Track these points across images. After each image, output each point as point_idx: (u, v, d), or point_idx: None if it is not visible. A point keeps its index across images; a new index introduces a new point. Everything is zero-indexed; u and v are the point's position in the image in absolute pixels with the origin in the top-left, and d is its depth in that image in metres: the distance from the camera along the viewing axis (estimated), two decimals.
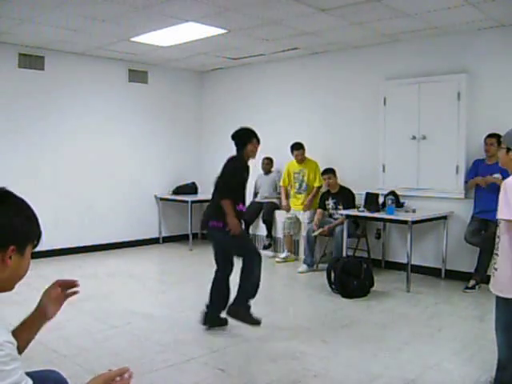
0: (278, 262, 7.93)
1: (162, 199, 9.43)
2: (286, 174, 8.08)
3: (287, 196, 8.09)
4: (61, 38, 7.16)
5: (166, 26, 6.51)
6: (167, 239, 9.59)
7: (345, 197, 7.29)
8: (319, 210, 7.48)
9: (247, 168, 4.96)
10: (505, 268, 3.06)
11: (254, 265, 4.79)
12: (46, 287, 2.03)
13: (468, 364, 4.05)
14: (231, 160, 4.98)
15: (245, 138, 5.03)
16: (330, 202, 7.40)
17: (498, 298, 3.17)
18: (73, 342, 4.47)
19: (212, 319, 4.89)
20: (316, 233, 7.26)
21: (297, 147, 7.80)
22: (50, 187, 7.99)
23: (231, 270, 5.01)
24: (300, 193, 7.91)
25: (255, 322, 4.76)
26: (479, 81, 6.57)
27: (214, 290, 4.97)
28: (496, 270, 3.13)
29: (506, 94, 6.37)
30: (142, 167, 9.21)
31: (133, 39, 7.22)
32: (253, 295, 4.84)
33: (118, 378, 1.82)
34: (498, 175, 5.81)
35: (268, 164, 8.54)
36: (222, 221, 4.70)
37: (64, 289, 2.05)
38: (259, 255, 4.87)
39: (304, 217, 7.76)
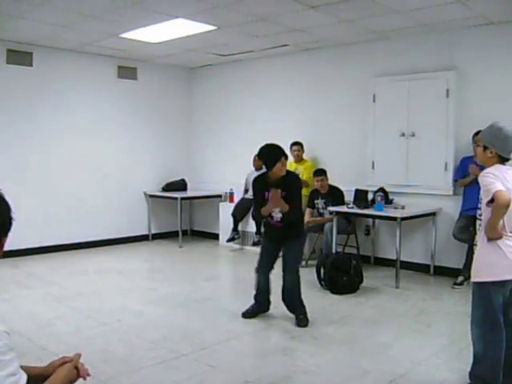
0: None
1: (151, 196, 9.40)
2: None
3: None
4: (49, 33, 7.11)
5: (155, 22, 6.49)
6: (157, 236, 9.57)
7: (334, 196, 7.27)
8: (308, 210, 7.48)
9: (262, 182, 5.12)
10: (479, 252, 3.27)
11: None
12: (55, 360, 1.93)
13: (456, 359, 4.10)
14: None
15: (269, 160, 4.97)
16: (320, 202, 7.40)
17: (473, 288, 3.33)
18: (62, 340, 4.46)
19: None
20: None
21: (295, 143, 7.86)
22: (39, 185, 7.95)
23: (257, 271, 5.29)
24: None
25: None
26: (468, 78, 6.60)
27: None
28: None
29: (495, 91, 6.41)
30: (131, 164, 9.18)
31: (122, 35, 7.18)
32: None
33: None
34: None
35: (259, 161, 8.52)
36: None
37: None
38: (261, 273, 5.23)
39: None
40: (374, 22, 6.47)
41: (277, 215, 5.00)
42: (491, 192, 3.06)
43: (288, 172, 5.09)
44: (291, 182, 5.03)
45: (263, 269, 5.18)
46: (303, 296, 5.10)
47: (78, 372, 1.88)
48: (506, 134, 3.24)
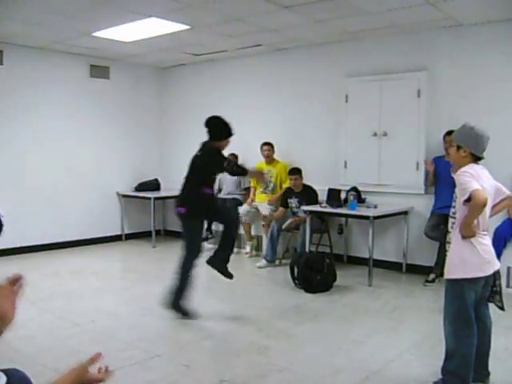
0: (249, 257, 8.08)
1: (124, 196, 9.34)
2: None
3: (254, 194, 8.14)
4: (20, 31, 7.01)
5: (128, 21, 6.45)
6: (130, 236, 9.51)
7: (308, 195, 7.32)
8: (281, 209, 7.52)
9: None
10: (453, 250, 3.33)
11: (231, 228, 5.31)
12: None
13: (428, 355, 4.16)
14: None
15: (222, 133, 5.20)
16: (294, 201, 7.44)
17: (446, 285, 3.42)
18: (35, 341, 4.41)
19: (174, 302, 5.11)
20: (285, 224, 7.32)
21: (265, 143, 7.95)
22: (10, 185, 7.82)
23: (197, 256, 5.18)
24: (266, 193, 7.99)
25: (230, 276, 5.26)
26: (438, 78, 6.70)
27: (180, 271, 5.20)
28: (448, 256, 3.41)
29: (465, 92, 6.51)
30: (103, 164, 9.10)
31: (94, 34, 7.11)
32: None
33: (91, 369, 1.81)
34: None
35: (232, 160, 8.54)
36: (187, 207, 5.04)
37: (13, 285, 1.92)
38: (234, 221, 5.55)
39: (265, 208, 7.85)
40: (347, 23, 6.53)
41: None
42: (468, 191, 3.11)
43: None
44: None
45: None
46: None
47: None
48: (478, 133, 3.31)
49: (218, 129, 5.17)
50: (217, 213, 5.36)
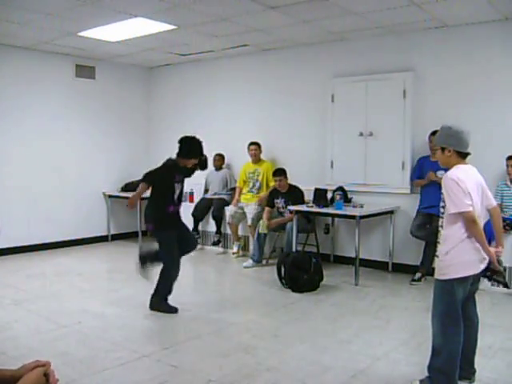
0: (236, 257, 8.09)
1: (110, 196, 9.31)
2: (242, 174, 8.14)
3: (240, 195, 8.15)
4: (4, 31, 6.96)
5: (114, 20, 6.42)
6: (116, 237, 9.47)
7: (294, 195, 7.33)
8: (267, 209, 7.52)
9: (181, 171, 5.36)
10: (446, 251, 3.33)
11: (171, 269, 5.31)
12: (27, 363, 1.88)
13: (415, 353, 4.18)
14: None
15: (191, 153, 5.29)
16: (280, 201, 7.45)
17: (436, 283, 3.44)
18: (22, 343, 4.38)
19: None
20: (261, 229, 7.32)
21: (252, 143, 7.97)
22: None
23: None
24: (252, 192, 7.99)
25: (173, 311, 5.23)
26: (424, 79, 6.75)
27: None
28: (438, 256, 3.44)
29: (449, 92, 6.57)
30: (89, 164, 9.05)
31: (80, 34, 7.07)
32: (168, 293, 5.30)
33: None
34: (442, 172, 5.98)
35: (219, 160, 8.54)
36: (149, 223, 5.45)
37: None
38: (177, 264, 5.36)
39: (251, 208, 7.86)
40: (333, 23, 6.56)
41: (176, 199, 5.33)
42: (460, 210, 3.19)
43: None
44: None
45: (178, 261, 5.37)
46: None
47: (48, 379, 1.84)
48: (457, 130, 3.38)
49: (190, 147, 5.28)
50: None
